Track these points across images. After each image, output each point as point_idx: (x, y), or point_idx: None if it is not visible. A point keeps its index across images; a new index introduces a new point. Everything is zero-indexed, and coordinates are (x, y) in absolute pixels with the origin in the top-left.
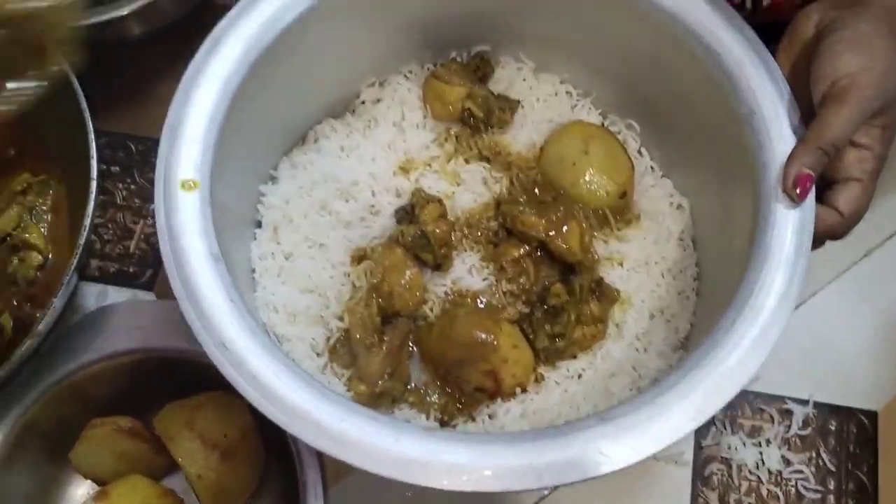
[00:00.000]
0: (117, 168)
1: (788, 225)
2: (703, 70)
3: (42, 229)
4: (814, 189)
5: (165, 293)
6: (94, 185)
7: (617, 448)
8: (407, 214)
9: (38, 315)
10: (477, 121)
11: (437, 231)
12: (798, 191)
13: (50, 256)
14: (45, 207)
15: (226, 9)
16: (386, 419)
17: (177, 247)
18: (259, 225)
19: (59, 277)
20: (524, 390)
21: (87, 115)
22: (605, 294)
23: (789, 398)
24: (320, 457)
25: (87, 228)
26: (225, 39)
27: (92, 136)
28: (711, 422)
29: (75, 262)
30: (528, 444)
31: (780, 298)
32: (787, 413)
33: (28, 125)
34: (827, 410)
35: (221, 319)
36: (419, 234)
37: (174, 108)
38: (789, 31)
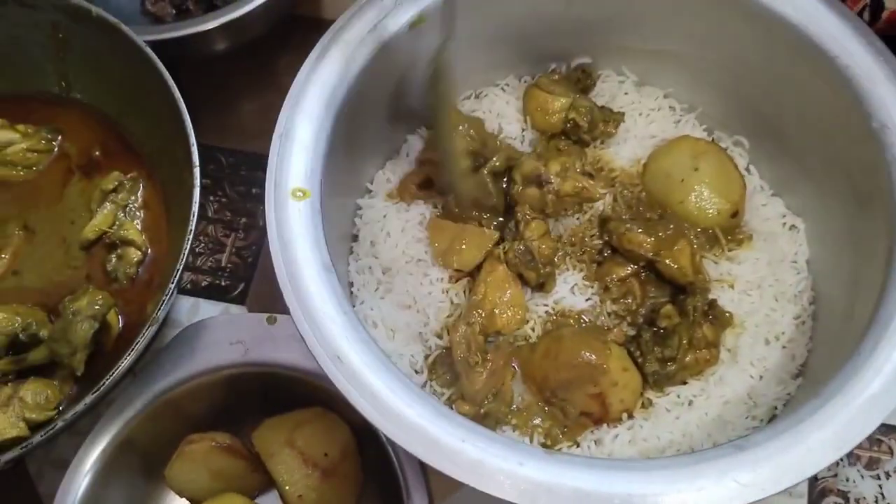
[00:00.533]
0: (207, 180)
1: None
2: (828, 83)
3: (137, 225)
4: None
5: (257, 306)
6: (196, 193)
7: (755, 478)
8: (511, 231)
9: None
10: (580, 132)
11: (543, 247)
12: None
13: (149, 251)
14: (136, 204)
15: (311, 23)
16: (507, 440)
17: (289, 257)
18: (355, 239)
19: (160, 273)
20: (631, 416)
21: (186, 119)
22: (718, 317)
23: None
24: (426, 479)
25: (188, 241)
26: (333, 47)
27: (194, 142)
28: None
29: (177, 275)
30: (657, 472)
31: None
32: None
33: (111, 124)
34: None
35: (335, 332)
36: (523, 250)
37: (284, 114)
38: None
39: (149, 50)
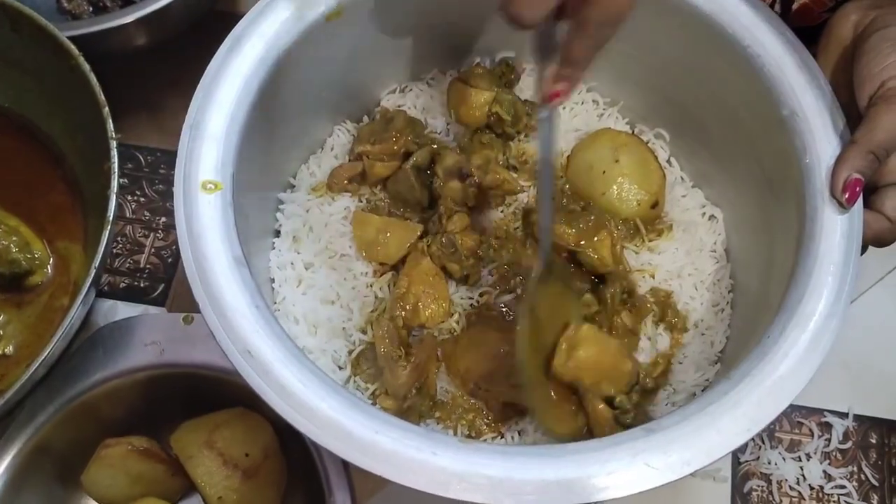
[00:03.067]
0: (126, 180)
1: (836, 230)
2: (740, 73)
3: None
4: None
5: (178, 308)
6: (113, 198)
7: (666, 460)
8: (434, 224)
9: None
10: (504, 126)
11: (466, 240)
12: (847, 196)
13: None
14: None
15: (233, 19)
16: (421, 431)
17: (198, 251)
18: (277, 234)
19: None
20: None
21: (107, 116)
22: (636, 305)
23: (828, 411)
24: (349, 477)
25: (103, 241)
26: (246, 38)
27: (113, 139)
28: None
29: (92, 276)
30: (570, 457)
31: (831, 304)
32: (827, 426)
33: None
34: (868, 423)
35: (246, 326)
36: (446, 242)
37: (194, 106)
38: (826, 32)
39: (68, 42)
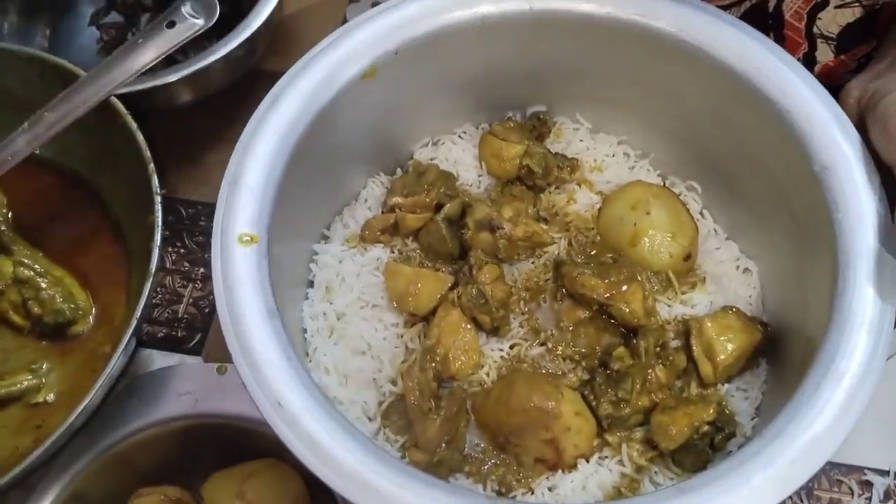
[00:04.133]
0: (167, 232)
1: (870, 286)
2: (771, 126)
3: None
4: None
5: (214, 358)
6: (156, 251)
7: None
8: (465, 276)
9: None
10: (535, 178)
11: (496, 291)
12: None
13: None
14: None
15: (274, 77)
16: (447, 486)
17: (233, 302)
18: (311, 284)
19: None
20: (587, 461)
21: (152, 171)
22: (670, 359)
23: (869, 469)
24: None
25: (146, 292)
26: (284, 96)
27: (158, 193)
28: None
29: (133, 326)
30: None
31: (867, 361)
32: (867, 485)
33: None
34: None
35: (277, 377)
36: (477, 293)
37: (234, 161)
38: None
39: (116, 101)
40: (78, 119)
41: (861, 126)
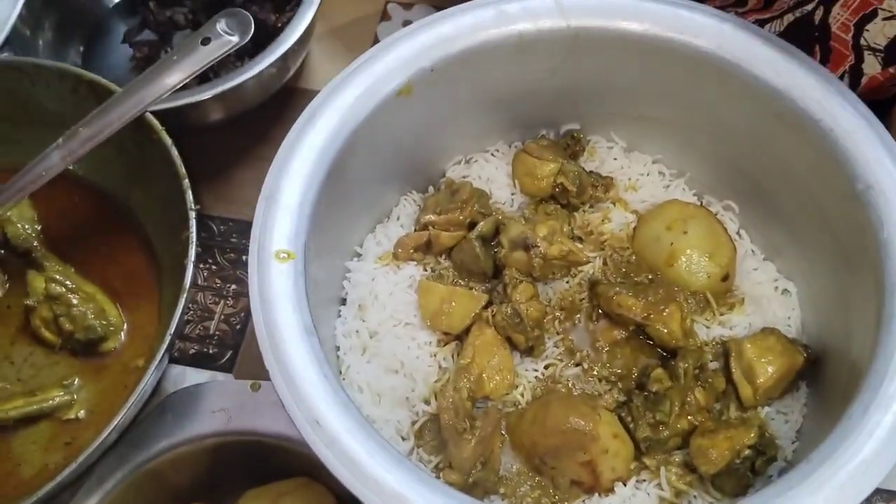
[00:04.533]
0: (199, 248)
1: None
2: (812, 145)
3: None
4: None
5: (245, 375)
6: (190, 267)
7: None
8: (499, 294)
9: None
10: (569, 196)
11: (531, 310)
12: None
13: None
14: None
15: (305, 94)
16: None
17: (270, 319)
18: (344, 302)
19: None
20: (624, 484)
21: (186, 187)
22: (710, 381)
23: None
24: None
25: (180, 309)
26: (322, 112)
27: (192, 210)
28: None
29: (166, 343)
30: None
31: None
32: None
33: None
34: None
35: (315, 395)
36: (511, 312)
37: (271, 177)
38: (893, 123)
39: (151, 117)
40: (112, 135)
41: None
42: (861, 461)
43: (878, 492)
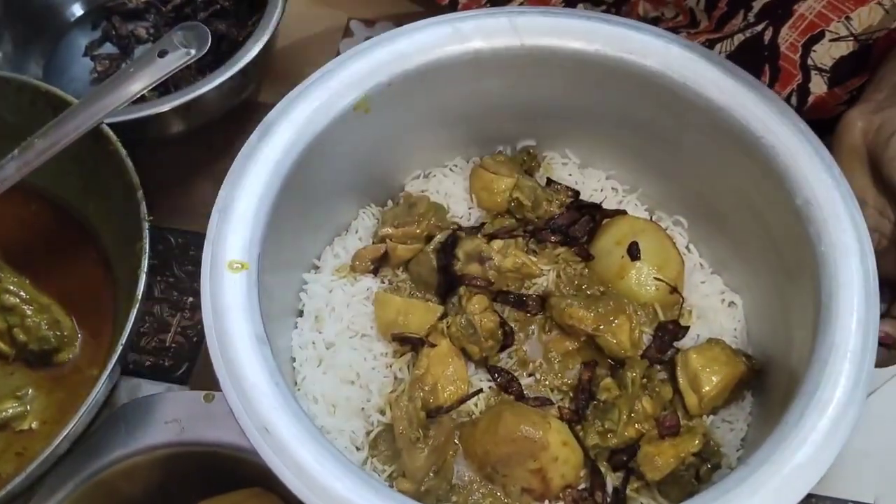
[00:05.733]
0: (156, 261)
1: (852, 318)
2: (755, 161)
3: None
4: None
5: (200, 386)
6: (143, 277)
7: None
8: (453, 306)
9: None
10: (524, 211)
11: (485, 321)
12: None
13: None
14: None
15: (265, 108)
16: None
17: (221, 328)
18: (301, 314)
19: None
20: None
21: (141, 199)
22: (657, 390)
23: (854, 501)
24: None
25: (131, 320)
26: (277, 124)
27: (146, 221)
28: None
29: (118, 353)
30: None
31: (850, 391)
32: None
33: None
34: None
35: (265, 403)
36: (465, 323)
37: (225, 188)
38: (835, 143)
39: (107, 128)
40: (68, 146)
41: (865, 156)
42: (796, 465)
43: (819, 498)
